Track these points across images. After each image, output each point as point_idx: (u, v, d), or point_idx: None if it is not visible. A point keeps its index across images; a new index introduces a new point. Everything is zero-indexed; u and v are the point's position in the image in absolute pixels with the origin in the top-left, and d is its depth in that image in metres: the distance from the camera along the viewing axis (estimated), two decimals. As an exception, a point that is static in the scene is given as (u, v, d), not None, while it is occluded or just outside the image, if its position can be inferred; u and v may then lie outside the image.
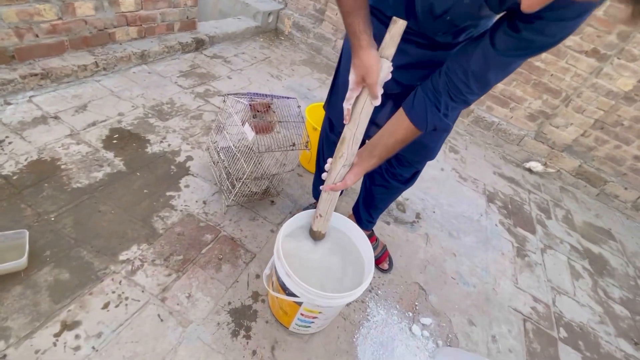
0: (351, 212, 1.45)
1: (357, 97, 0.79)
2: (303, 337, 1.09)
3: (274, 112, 1.49)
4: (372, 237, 1.44)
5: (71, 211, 1.17)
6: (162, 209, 1.30)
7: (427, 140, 0.97)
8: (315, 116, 1.74)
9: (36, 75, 1.58)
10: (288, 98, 1.45)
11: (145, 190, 1.34)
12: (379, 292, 1.33)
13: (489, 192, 2.19)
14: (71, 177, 1.28)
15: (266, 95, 1.45)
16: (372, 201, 1.28)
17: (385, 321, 1.22)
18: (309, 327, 1.04)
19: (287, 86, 2.48)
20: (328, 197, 0.95)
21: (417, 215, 1.78)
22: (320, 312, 0.96)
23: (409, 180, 1.17)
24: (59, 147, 1.38)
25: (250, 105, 1.32)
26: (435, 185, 2.05)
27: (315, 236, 1.03)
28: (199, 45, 2.44)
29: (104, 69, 1.86)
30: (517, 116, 2.62)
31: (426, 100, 0.78)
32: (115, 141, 1.50)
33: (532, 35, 0.63)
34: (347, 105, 0.80)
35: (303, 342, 1.08)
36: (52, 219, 1.13)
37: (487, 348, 1.28)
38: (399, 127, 0.83)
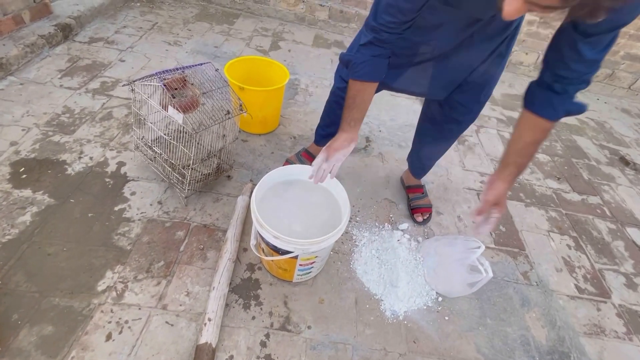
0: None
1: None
2: (308, 282, 1.18)
3: (192, 84, 1.35)
4: (419, 188, 1.54)
5: (17, 266, 1.04)
6: (118, 226, 1.20)
7: None
8: (237, 74, 1.62)
9: None
10: (201, 64, 1.33)
11: (90, 214, 1.21)
12: (357, 218, 1.43)
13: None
14: (-6, 233, 1.11)
15: (176, 69, 1.30)
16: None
17: (370, 239, 1.35)
18: (310, 272, 1.12)
19: (191, 50, 2.22)
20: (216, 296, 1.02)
21: (367, 139, 1.86)
22: (316, 257, 1.03)
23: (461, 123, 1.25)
24: (-41, 206, 1.16)
25: (164, 85, 1.18)
26: (372, 106, 2.10)
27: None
28: (66, 32, 2.02)
29: (-39, 96, 1.49)
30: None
31: (546, 92, 0.81)
32: (24, 175, 1.29)
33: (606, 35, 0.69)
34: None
35: (309, 287, 1.17)
36: (-1, 282, 1.00)
37: (456, 227, 1.50)
38: (526, 128, 0.86)
